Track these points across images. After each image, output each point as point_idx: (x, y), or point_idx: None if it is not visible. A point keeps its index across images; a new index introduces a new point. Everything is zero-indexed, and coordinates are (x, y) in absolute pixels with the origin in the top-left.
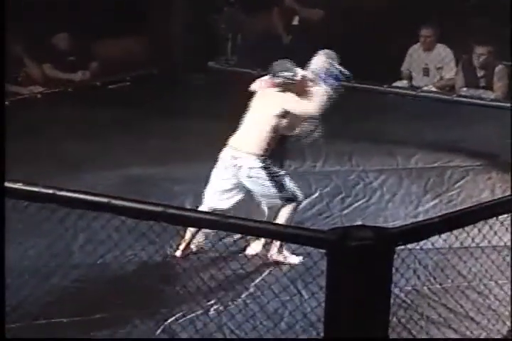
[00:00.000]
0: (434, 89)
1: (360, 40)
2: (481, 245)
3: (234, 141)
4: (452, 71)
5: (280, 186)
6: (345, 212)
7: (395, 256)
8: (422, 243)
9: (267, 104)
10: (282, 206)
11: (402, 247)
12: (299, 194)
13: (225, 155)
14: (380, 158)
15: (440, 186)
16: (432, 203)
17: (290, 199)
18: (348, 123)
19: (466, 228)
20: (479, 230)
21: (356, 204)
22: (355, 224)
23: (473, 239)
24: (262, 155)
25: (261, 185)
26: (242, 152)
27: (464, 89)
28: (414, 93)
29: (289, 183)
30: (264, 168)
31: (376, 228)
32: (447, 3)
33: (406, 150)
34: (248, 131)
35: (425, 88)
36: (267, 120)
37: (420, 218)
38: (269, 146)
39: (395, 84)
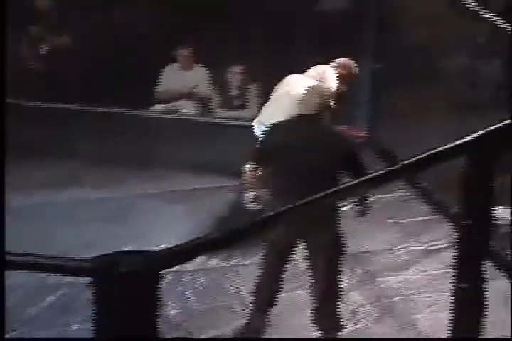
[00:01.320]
0: (192, 111)
1: (115, 64)
2: (245, 263)
3: None
4: (205, 92)
5: None
6: (112, 237)
7: (163, 279)
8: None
9: None
10: None
11: (170, 270)
12: None
13: None
14: (146, 182)
15: (205, 208)
16: (198, 225)
17: None
18: (111, 148)
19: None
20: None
21: (123, 230)
22: (122, 250)
23: (238, 258)
24: None
25: None
26: None
27: (220, 110)
28: (174, 116)
29: None
30: None
31: (142, 253)
32: (203, 22)
33: (170, 173)
34: None
35: (184, 111)
36: None
37: (187, 240)
38: None
39: (154, 108)
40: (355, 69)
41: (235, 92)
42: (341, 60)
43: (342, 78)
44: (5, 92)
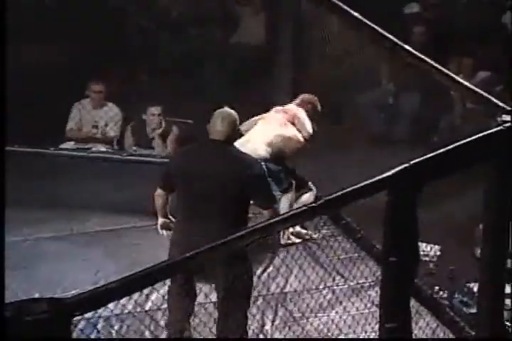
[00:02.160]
0: (103, 149)
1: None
2: (162, 307)
3: None
4: (116, 130)
5: None
6: (22, 284)
7: (74, 326)
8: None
9: None
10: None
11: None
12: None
13: None
14: (54, 225)
15: (119, 249)
16: (112, 268)
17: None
18: (17, 189)
19: (145, 291)
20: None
21: (33, 275)
22: (32, 296)
23: (153, 302)
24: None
25: None
26: None
27: (134, 148)
28: (85, 154)
29: None
30: None
31: (52, 300)
32: (116, 58)
33: (81, 213)
34: None
35: (94, 149)
36: None
37: (101, 284)
38: None
39: (62, 146)
40: (319, 106)
41: (151, 132)
42: (305, 96)
43: (308, 115)
44: (5, 96)
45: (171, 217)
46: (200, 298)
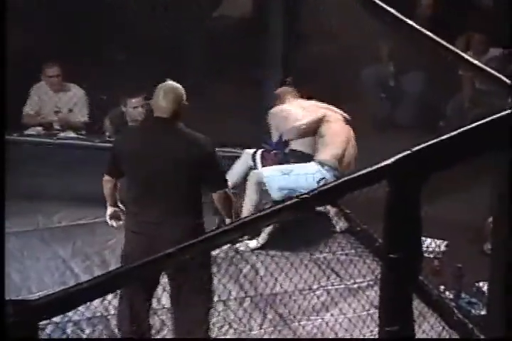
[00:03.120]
0: (73, 134)
1: None
2: None
3: None
4: (85, 114)
5: None
6: None
7: (41, 331)
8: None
9: None
10: None
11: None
12: None
13: None
14: (18, 219)
15: (91, 245)
16: (83, 266)
17: None
18: None
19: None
20: None
21: None
22: None
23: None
24: None
25: None
26: None
27: (108, 133)
28: (51, 141)
29: None
30: None
31: (16, 302)
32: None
33: (48, 206)
34: None
35: (62, 134)
36: None
37: (71, 284)
38: None
39: (28, 132)
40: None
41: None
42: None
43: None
44: (5, 98)
45: (121, 205)
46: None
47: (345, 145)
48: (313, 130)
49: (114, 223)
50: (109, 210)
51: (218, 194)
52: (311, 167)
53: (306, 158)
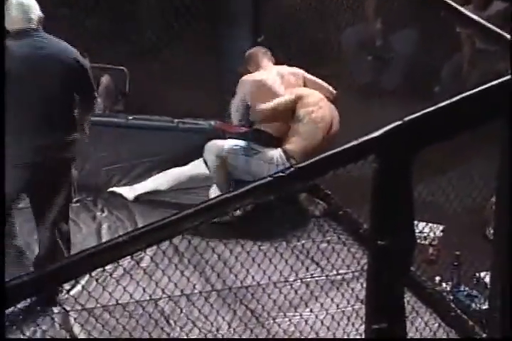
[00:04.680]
0: None
1: None
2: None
3: None
4: None
5: None
6: None
7: None
8: None
9: None
10: None
11: None
12: None
13: None
14: None
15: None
16: (30, 256)
17: None
18: None
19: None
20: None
21: None
22: None
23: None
24: None
25: None
26: None
27: None
28: None
29: None
30: None
31: None
32: None
33: None
34: None
35: None
36: None
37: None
38: None
39: None
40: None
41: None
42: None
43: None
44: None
45: None
46: None
47: (322, 132)
48: (283, 114)
49: None
50: None
51: (88, 105)
52: (276, 156)
53: (272, 142)
